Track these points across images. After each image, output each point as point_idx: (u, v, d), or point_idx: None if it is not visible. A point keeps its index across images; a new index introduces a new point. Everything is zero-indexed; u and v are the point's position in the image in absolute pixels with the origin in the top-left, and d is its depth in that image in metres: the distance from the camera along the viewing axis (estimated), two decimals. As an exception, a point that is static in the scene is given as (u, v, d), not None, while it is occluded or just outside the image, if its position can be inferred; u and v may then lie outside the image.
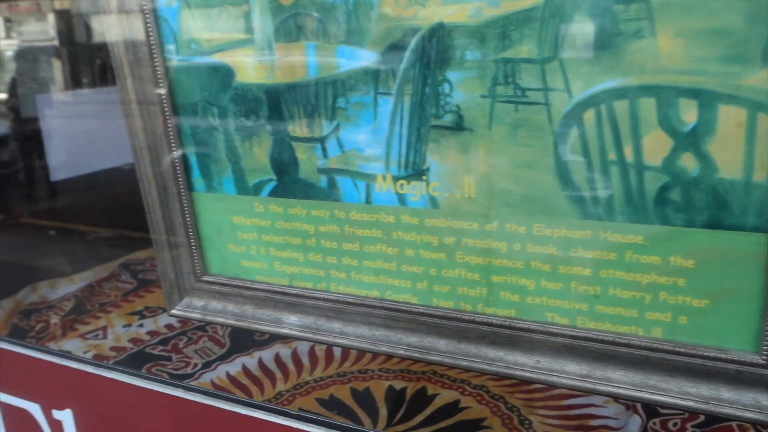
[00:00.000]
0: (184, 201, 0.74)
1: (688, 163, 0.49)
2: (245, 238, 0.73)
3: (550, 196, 0.54)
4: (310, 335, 0.71)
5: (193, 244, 0.76)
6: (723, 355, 0.51)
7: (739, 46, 0.45)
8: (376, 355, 1.29)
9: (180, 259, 0.77)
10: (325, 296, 0.69)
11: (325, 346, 1.33)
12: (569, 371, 0.58)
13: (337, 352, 1.36)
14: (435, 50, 0.55)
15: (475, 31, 0.53)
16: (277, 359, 1.31)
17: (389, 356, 0.68)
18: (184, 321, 1.51)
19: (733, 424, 1.00)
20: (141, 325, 1.54)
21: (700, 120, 0.47)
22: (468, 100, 0.55)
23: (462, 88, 0.55)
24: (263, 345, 1.34)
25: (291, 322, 0.72)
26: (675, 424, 1.04)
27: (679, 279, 0.52)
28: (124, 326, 1.53)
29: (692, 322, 0.52)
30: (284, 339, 0.75)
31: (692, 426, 1.04)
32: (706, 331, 0.52)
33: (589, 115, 0.51)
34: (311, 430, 0.65)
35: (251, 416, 0.69)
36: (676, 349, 0.53)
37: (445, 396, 1.19)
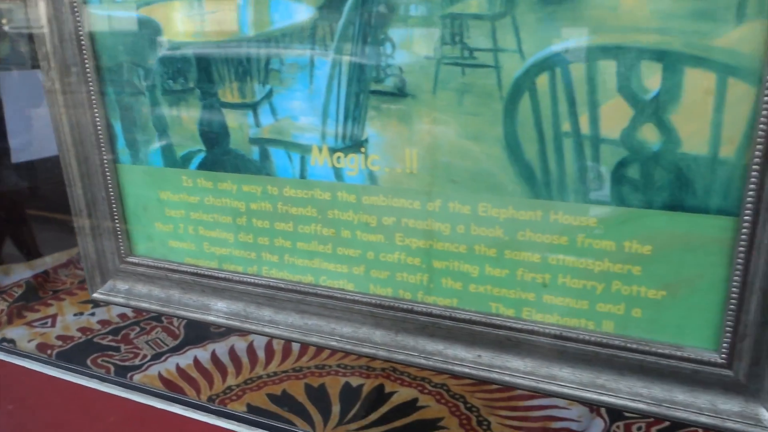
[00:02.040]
0: (108, 173, 0.67)
1: (649, 135, 0.44)
2: (173, 216, 0.66)
3: (498, 172, 0.49)
4: (237, 323, 0.65)
5: (117, 221, 0.69)
6: (678, 353, 0.46)
7: (710, 1, 0.40)
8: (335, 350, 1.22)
9: (103, 238, 0.70)
10: (256, 281, 0.63)
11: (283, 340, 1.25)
12: (512, 368, 0.52)
13: (295, 346, 1.29)
14: (376, 5, 0.49)
15: (419, -18, 0.47)
16: (232, 352, 1.24)
17: (324, 349, 0.61)
18: (138, 311, 1.43)
19: (700, 431, 0.95)
20: (93, 314, 1.45)
21: (663, 86, 0.42)
22: (411, 62, 0.49)
23: (405, 48, 0.49)
24: (219, 337, 1.26)
25: (219, 308, 0.66)
26: (639, 428, 0.99)
27: (635, 267, 0.47)
28: (75, 315, 1.43)
29: (647, 316, 0.47)
30: (213, 325, 0.69)
31: (657, 430, 0.99)
32: (661, 326, 0.47)
33: (543, 80, 0.45)
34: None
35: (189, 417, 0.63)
36: (628, 345, 0.48)
37: (403, 394, 1.12)
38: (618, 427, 1.03)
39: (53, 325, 1.35)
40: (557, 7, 0.43)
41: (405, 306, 0.56)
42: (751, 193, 0.41)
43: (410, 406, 1.10)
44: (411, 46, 0.49)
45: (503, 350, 0.53)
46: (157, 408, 0.70)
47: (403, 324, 0.57)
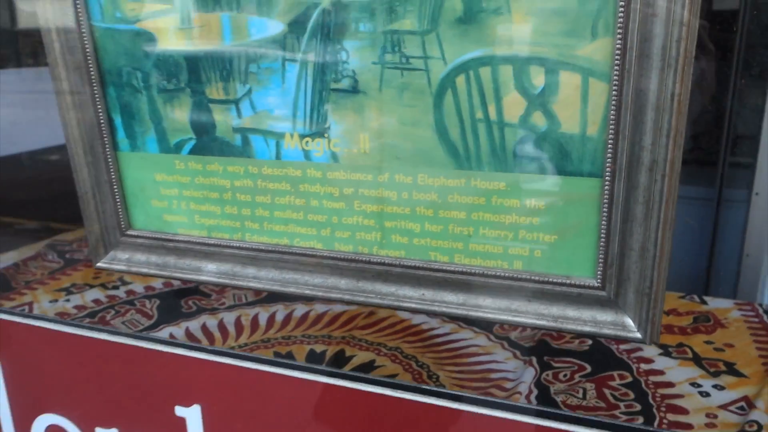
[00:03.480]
0: (110, 160, 0.80)
1: (538, 120, 0.59)
2: (167, 194, 0.80)
3: (431, 149, 0.64)
4: (227, 281, 0.79)
5: (118, 200, 0.82)
6: (568, 281, 0.63)
7: (574, 23, 0.55)
8: (300, 322, 1.37)
9: (106, 215, 0.83)
10: (241, 245, 0.77)
11: (251, 316, 1.41)
12: (448, 301, 0.68)
13: (262, 321, 1.45)
14: (333, 22, 0.63)
15: (366, 6, 0.61)
16: (204, 328, 1.38)
17: (299, 298, 0.76)
18: (111, 296, 1.55)
19: (614, 373, 1.13)
20: (68, 300, 1.57)
21: (546, 83, 0.58)
22: (362, 66, 0.64)
23: (357, 55, 0.64)
24: (191, 316, 1.41)
25: (210, 269, 0.80)
26: (565, 375, 1.16)
27: (534, 219, 0.62)
28: (51, 301, 1.56)
29: (545, 255, 0.63)
30: (204, 284, 0.82)
31: (579, 376, 1.17)
32: (555, 262, 0.63)
33: (461, 80, 0.60)
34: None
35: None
36: (533, 277, 0.64)
37: (361, 357, 1.29)
38: (547, 374, 1.22)
39: (30, 311, 1.47)
40: (468, 26, 0.58)
41: (363, 259, 0.71)
42: (609, 160, 0.57)
43: (369, 366, 1.27)
44: (361, 54, 0.64)
45: (441, 288, 0.69)
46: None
47: (362, 273, 0.72)
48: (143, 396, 0.81)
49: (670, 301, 1.32)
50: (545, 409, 0.61)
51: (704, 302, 1.32)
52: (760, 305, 1.30)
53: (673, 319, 1.26)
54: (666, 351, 1.13)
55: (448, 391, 0.67)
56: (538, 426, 0.60)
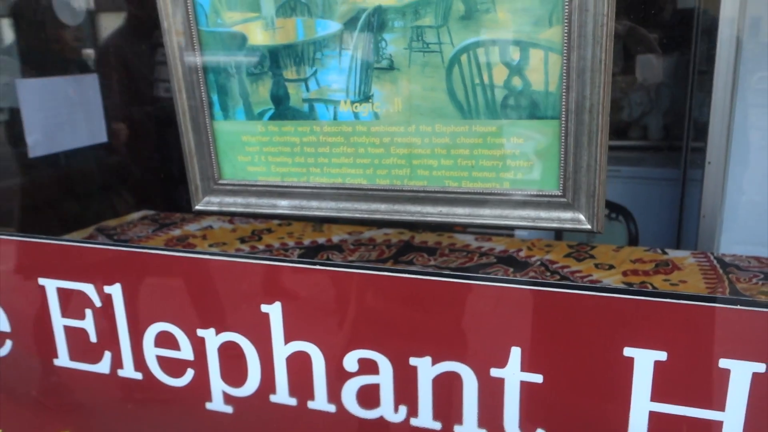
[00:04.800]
0: (208, 127, 1.10)
1: (517, 82, 0.89)
2: (250, 151, 1.09)
3: (444, 106, 0.94)
4: (296, 212, 1.08)
5: (212, 157, 1.12)
6: (541, 193, 0.92)
7: (537, 16, 0.85)
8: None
9: (203, 169, 1.13)
10: (307, 185, 1.07)
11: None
12: (458, 214, 0.98)
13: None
14: (376, 21, 0.93)
15: (399, 10, 0.92)
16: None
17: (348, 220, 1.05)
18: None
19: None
20: None
21: (521, 57, 0.88)
22: (396, 51, 0.94)
23: (392, 44, 0.94)
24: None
25: (283, 204, 1.09)
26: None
27: (516, 150, 0.92)
28: None
29: (525, 176, 0.93)
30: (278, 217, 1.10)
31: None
32: (532, 181, 0.93)
33: (464, 57, 0.90)
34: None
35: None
36: (517, 192, 0.93)
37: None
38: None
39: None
40: (468, 20, 0.88)
41: (397, 188, 1.01)
42: (563, 107, 0.87)
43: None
44: (396, 43, 0.94)
45: (453, 205, 0.98)
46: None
47: (396, 199, 1.01)
48: (235, 300, 1.10)
49: (636, 252, 1.61)
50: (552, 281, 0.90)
51: (665, 253, 1.61)
52: (712, 254, 1.59)
53: (638, 266, 1.54)
54: (630, 286, 1.42)
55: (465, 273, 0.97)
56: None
